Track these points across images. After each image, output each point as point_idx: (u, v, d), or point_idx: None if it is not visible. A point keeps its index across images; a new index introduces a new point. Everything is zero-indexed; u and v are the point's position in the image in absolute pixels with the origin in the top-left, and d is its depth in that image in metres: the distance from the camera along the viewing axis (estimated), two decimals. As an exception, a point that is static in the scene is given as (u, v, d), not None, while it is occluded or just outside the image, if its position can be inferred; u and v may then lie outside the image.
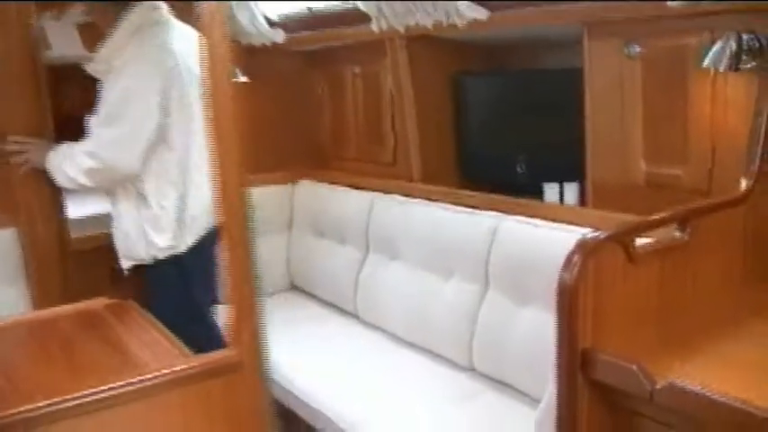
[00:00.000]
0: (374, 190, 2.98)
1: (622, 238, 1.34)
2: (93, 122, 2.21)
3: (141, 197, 2.29)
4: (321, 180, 3.38)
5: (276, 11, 3.02)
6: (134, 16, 2.22)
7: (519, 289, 2.19)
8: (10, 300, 2.69)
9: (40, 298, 2.58)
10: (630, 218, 1.71)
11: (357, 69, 3.13)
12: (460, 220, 2.46)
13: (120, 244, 2.37)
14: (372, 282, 2.85)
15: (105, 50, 2.23)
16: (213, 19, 1.59)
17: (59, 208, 2.62)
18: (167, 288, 2.34)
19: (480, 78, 2.82)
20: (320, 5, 2.80)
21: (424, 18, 2.36)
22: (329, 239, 3.18)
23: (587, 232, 1.36)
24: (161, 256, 2.32)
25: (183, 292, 2.35)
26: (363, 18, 2.62)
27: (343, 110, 3.29)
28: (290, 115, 3.47)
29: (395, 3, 2.42)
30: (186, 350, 1.83)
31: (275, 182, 3.43)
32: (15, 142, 2.34)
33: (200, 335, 2.01)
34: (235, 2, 2.99)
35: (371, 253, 2.90)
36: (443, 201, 2.62)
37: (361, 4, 2.55)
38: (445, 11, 2.28)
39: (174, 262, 2.34)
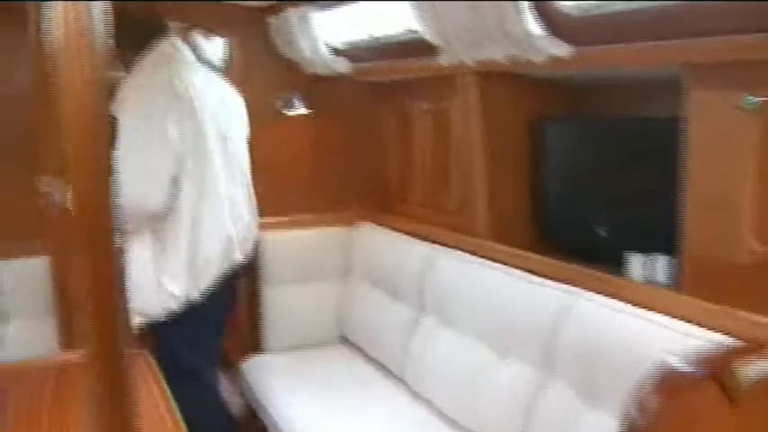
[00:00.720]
0: (436, 242, 2.64)
1: (720, 371, 0.94)
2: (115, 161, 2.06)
3: (158, 245, 2.22)
4: (382, 224, 3.07)
5: (341, 38, 2.76)
6: (153, 54, 2.27)
7: (588, 384, 1.78)
8: (35, 336, 2.55)
9: (67, 336, 2.40)
10: (737, 315, 1.30)
11: (426, 106, 2.82)
12: (527, 291, 2.08)
13: (133, 298, 2.16)
14: (424, 347, 2.49)
15: (124, 90, 2.20)
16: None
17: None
18: (174, 342, 2.26)
19: (563, 124, 2.44)
20: (385, 33, 2.51)
21: (495, 51, 2.02)
22: (384, 292, 2.86)
23: (678, 329, 0.99)
24: (175, 306, 2.22)
25: (188, 347, 2.28)
26: (431, 50, 2.31)
27: (410, 149, 2.98)
28: (353, 151, 3.20)
29: (463, 32, 2.09)
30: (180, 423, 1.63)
31: (334, 223, 3.15)
32: (47, 184, 2.18)
33: (196, 394, 2.06)
34: (297, 27, 2.76)
35: (426, 314, 2.55)
36: (510, 264, 2.24)
37: (425, 33, 2.24)
38: (520, 44, 1.93)
39: (185, 313, 2.23)
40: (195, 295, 2.26)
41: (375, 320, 2.86)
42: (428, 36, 2.25)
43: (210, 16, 2.91)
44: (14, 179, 2.51)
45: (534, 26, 1.86)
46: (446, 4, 2.03)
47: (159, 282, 2.22)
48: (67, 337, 2.35)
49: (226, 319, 2.37)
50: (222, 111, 2.42)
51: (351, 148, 3.19)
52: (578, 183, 2.32)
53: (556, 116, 2.45)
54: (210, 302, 2.28)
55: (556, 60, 1.90)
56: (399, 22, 2.38)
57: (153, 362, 1.98)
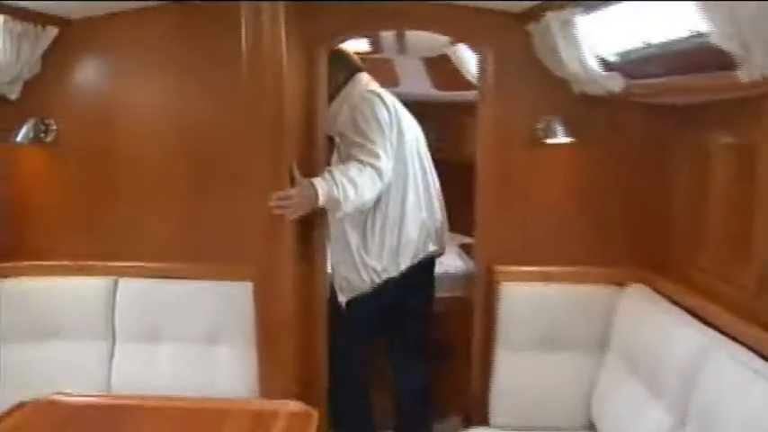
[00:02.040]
0: (721, 330, 1.88)
1: None
2: (350, 154, 2.51)
3: (366, 230, 2.65)
4: (656, 290, 2.34)
5: (612, 47, 2.14)
6: (350, 86, 2.70)
7: None
8: (236, 364, 2.45)
9: (266, 368, 2.24)
10: None
11: (727, 139, 2.05)
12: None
13: (347, 276, 2.70)
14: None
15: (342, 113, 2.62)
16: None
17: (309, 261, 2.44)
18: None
19: None
20: (663, 39, 1.84)
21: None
22: (641, 381, 2.15)
23: None
24: (377, 280, 2.67)
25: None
26: (727, 61, 1.60)
27: (702, 195, 2.22)
28: (627, 191, 2.53)
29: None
30: None
31: (594, 280, 2.52)
32: (279, 198, 2.15)
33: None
34: (559, 34, 2.22)
35: (687, 427, 1.82)
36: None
37: (716, 37, 1.54)
38: None
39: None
40: (394, 273, 2.70)
41: (629, 416, 2.16)
42: (719, 41, 1.55)
43: (465, 25, 2.52)
44: (225, 198, 2.45)
45: None
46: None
47: (363, 260, 2.65)
48: (267, 368, 2.21)
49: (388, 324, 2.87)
50: (411, 123, 2.84)
51: (624, 187, 2.52)
52: None
53: None
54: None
55: None
56: (680, 23, 1.70)
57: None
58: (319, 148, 2.52)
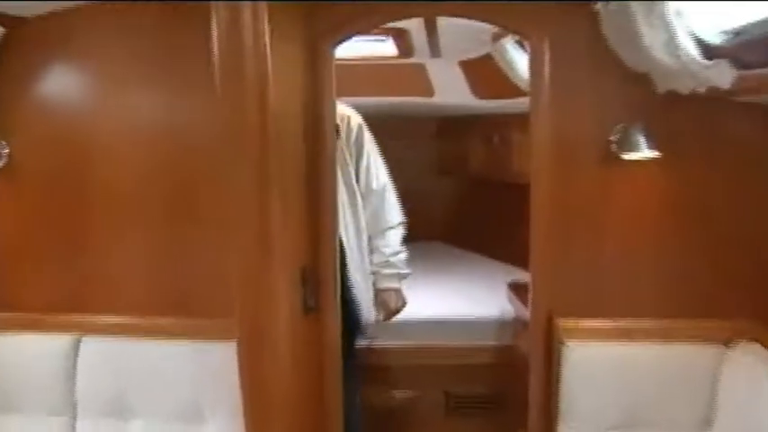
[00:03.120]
0: None
1: None
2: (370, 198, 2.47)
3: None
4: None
5: (718, 24, 1.55)
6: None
7: None
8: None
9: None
10: None
11: None
12: None
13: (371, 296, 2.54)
14: None
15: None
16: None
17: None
18: None
19: None
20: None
21: None
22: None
23: None
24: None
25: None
26: None
27: None
28: (732, 220, 1.92)
29: None
30: None
31: (693, 337, 1.91)
32: None
33: None
34: (640, 13, 1.64)
35: None
36: None
37: None
38: None
39: None
40: None
41: None
42: None
43: (511, 9, 1.95)
44: (207, 238, 1.94)
45: None
46: None
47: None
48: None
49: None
50: None
51: (728, 215, 1.92)
52: None
53: None
54: None
55: None
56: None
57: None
58: (327, 157, 1.98)
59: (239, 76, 1.49)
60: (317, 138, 1.94)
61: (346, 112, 2.38)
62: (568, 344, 1.92)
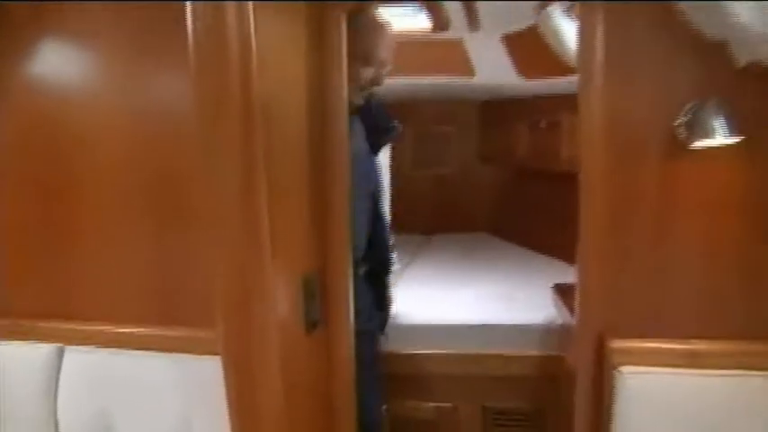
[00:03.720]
0: None
1: None
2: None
3: None
4: None
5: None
6: None
7: None
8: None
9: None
10: None
11: None
12: None
13: None
14: None
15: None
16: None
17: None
18: None
19: None
20: None
21: None
22: None
23: None
24: None
25: None
26: None
27: None
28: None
29: None
30: None
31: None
32: None
33: None
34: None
35: None
36: None
37: None
38: None
39: None
40: None
41: None
42: None
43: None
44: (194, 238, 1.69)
45: None
46: None
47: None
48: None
49: None
50: None
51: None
52: None
53: None
54: None
55: None
56: None
57: None
58: (337, 145, 1.69)
59: (216, 48, 1.22)
60: (326, 123, 1.66)
61: None
62: (624, 370, 1.60)
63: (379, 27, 2.02)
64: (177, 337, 1.73)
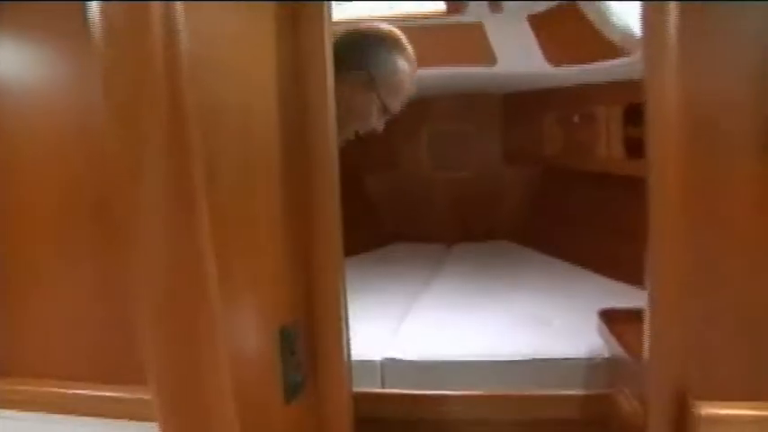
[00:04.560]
0: None
1: None
2: None
3: None
4: None
5: None
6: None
7: None
8: None
9: None
10: None
11: None
12: None
13: None
14: None
15: None
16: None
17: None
18: None
19: None
20: None
21: None
22: None
23: None
24: None
25: None
26: None
27: None
28: None
29: None
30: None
31: None
32: None
33: None
34: None
35: None
36: None
37: None
38: None
39: None
40: None
41: None
42: None
43: None
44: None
45: None
46: None
47: None
48: None
49: None
50: None
51: None
52: None
53: None
54: None
55: None
56: None
57: None
58: (323, 157, 1.31)
59: (130, 50, 0.85)
60: (307, 132, 1.27)
61: None
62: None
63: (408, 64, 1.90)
64: (120, 399, 1.36)
